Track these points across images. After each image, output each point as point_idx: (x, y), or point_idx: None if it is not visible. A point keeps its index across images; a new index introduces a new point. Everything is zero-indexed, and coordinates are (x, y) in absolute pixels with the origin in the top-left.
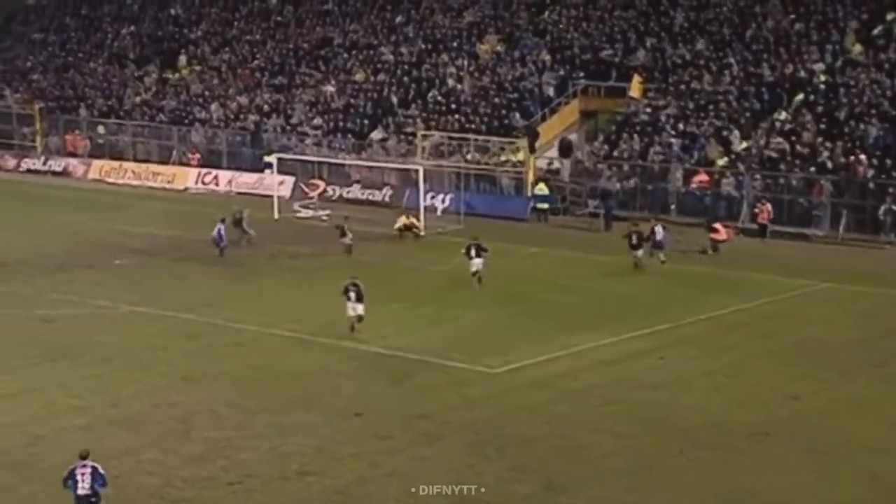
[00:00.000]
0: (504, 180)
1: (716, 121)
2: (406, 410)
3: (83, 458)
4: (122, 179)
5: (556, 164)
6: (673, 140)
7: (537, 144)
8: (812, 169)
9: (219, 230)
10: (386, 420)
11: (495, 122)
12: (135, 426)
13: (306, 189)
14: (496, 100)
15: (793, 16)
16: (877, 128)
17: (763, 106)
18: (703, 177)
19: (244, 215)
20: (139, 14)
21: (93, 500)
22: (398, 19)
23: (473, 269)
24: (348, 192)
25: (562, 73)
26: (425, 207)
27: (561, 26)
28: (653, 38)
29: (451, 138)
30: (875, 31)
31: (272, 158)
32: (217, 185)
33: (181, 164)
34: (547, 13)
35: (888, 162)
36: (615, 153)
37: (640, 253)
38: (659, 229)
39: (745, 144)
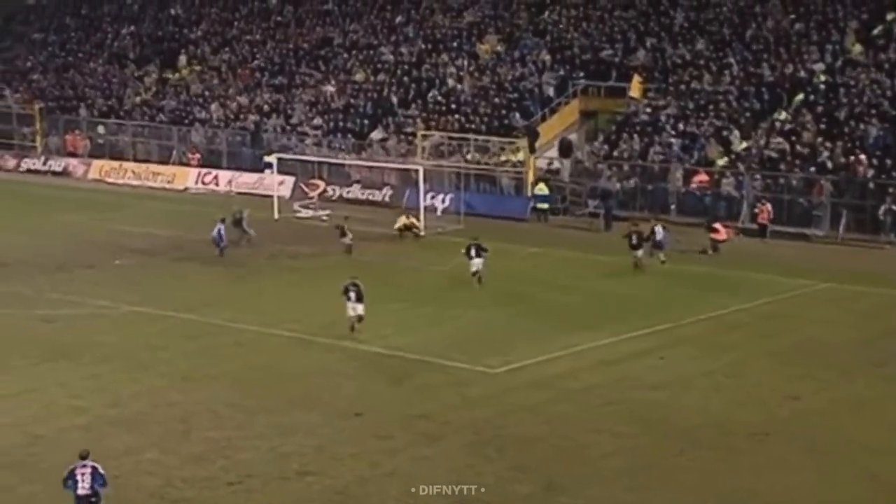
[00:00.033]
0: (504, 180)
1: (716, 121)
2: (406, 410)
3: (83, 458)
4: (122, 179)
5: (556, 164)
6: (673, 140)
7: (537, 144)
8: (812, 169)
9: (219, 230)
10: (386, 420)
11: (495, 122)
12: (135, 426)
13: (306, 189)
14: (496, 100)
15: (793, 16)
16: (877, 128)
17: (763, 106)
18: (703, 177)
19: (244, 215)
20: (139, 14)
21: (93, 500)
22: (398, 19)
23: (473, 269)
24: (348, 192)
25: (562, 73)
26: (425, 207)
27: (561, 26)
28: (653, 38)
29: (451, 138)
30: (875, 31)
31: (272, 158)
32: (217, 185)
33: (181, 164)
34: (547, 13)
35: (888, 162)
36: (615, 153)
37: (640, 253)
38: (659, 229)
39: (745, 144)
